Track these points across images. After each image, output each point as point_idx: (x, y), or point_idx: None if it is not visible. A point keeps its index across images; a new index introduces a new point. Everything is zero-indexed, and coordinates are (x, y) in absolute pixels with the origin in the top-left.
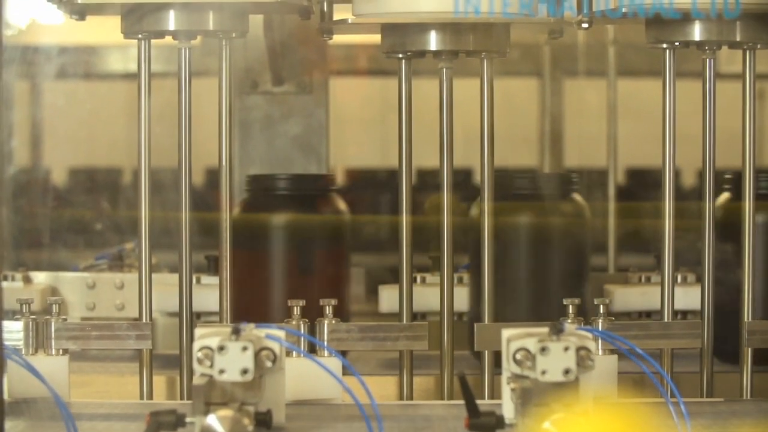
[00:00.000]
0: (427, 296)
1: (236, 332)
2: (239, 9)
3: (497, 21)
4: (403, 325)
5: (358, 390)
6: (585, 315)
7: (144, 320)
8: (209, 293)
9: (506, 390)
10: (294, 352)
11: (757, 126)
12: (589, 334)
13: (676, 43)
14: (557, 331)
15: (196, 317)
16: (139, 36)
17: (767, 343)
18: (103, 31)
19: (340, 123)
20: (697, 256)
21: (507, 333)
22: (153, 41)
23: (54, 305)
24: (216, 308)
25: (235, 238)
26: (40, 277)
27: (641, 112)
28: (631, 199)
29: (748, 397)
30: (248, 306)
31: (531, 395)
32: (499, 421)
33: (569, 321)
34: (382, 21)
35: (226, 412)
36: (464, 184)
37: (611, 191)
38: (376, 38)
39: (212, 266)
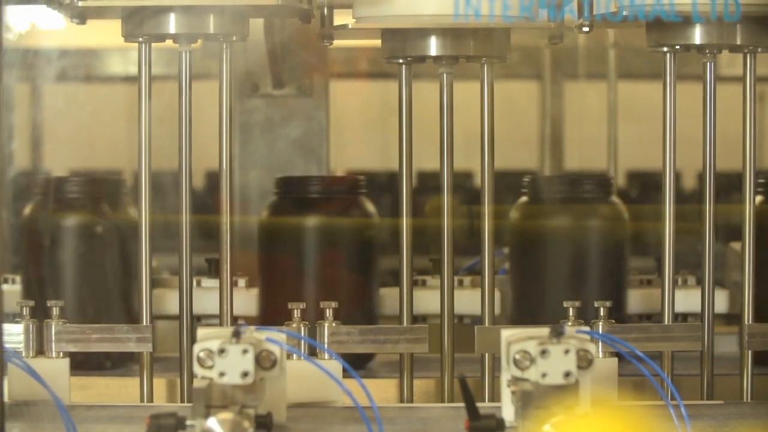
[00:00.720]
0: (427, 299)
1: (237, 335)
2: (239, 12)
3: (497, 26)
4: (403, 327)
5: (359, 392)
6: (622, 321)
7: (144, 323)
8: (209, 295)
9: (506, 392)
10: (295, 355)
11: (758, 128)
12: (589, 337)
13: (677, 47)
14: (557, 333)
15: (197, 320)
16: (140, 39)
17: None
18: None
19: (340, 126)
20: (698, 258)
21: (507, 335)
22: (153, 44)
23: (54, 308)
24: (216, 311)
25: (263, 242)
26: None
27: (641, 114)
28: (632, 201)
29: (748, 400)
30: (280, 309)
31: (531, 398)
32: (500, 424)
33: (569, 323)
34: (383, 25)
35: (227, 415)
36: (464, 186)
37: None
38: (376, 41)
39: (213, 269)
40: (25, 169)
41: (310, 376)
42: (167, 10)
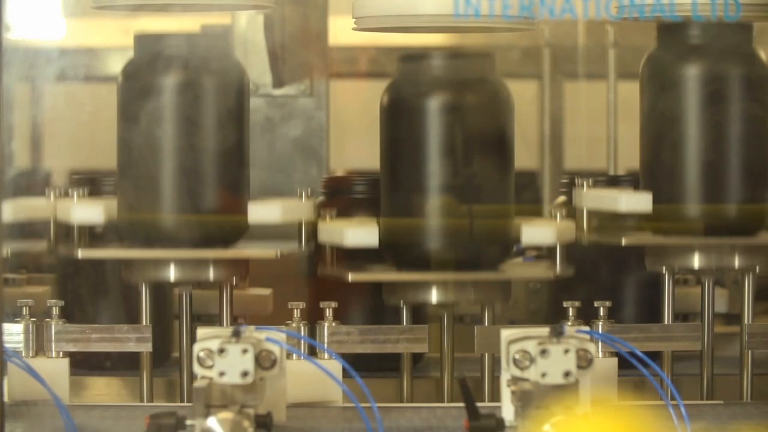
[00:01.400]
0: None
1: (236, 334)
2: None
3: (497, 25)
4: (403, 327)
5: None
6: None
7: (144, 323)
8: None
9: (506, 392)
10: (294, 354)
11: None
12: (589, 337)
13: (675, 270)
14: (557, 333)
15: (196, 319)
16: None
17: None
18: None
19: (340, 125)
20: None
21: (507, 335)
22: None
23: (54, 308)
24: (215, 311)
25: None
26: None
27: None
28: None
29: (748, 400)
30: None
31: (531, 398)
32: (499, 423)
33: (569, 323)
34: (382, 25)
35: (227, 415)
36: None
37: None
38: (377, 40)
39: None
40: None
41: (310, 375)
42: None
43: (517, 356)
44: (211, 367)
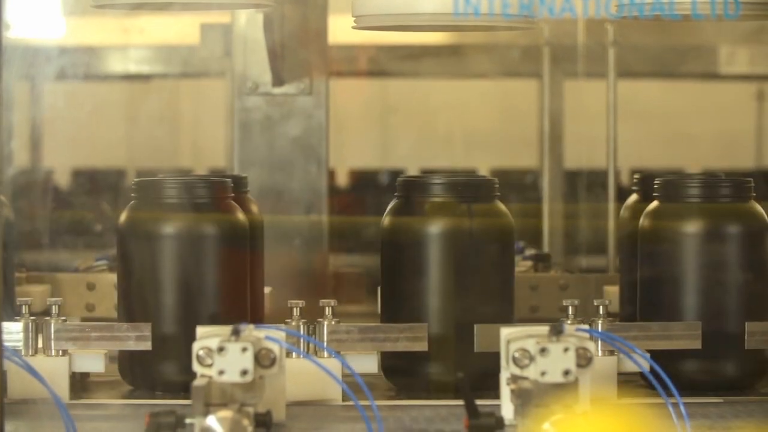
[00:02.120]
0: None
1: (236, 333)
2: None
3: (497, 24)
4: (403, 326)
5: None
6: None
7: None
8: None
9: (506, 391)
10: (294, 353)
11: (757, 126)
12: (588, 335)
13: None
14: (557, 331)
15: None
16: None
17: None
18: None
19: (340, 124)
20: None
21: (506, 333)
22: (152, 42)
23: (54, 306)
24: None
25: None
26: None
27: (641, 113)
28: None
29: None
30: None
31: (530, 396)
32: (499, 422)
33: (569, 322)
34: (382, 23)
35: (226, 413)
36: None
37: (611, 192)
38: (376, 39)
39: None
40: (24, 167)
41: (309, 374)
42: None
43: (516, 354)
44: (210, 365)
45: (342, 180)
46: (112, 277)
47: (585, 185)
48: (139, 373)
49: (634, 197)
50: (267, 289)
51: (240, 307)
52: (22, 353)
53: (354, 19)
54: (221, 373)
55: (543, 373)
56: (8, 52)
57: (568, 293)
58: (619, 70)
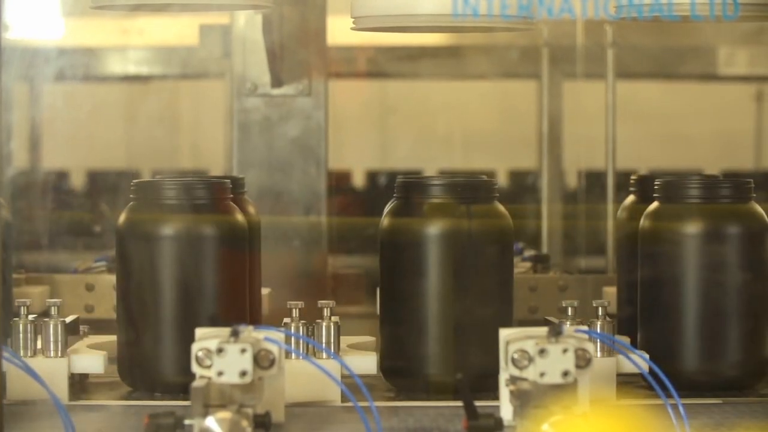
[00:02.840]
0: None
1: (235, 334)
2: None
3: (496, 25)
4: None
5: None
6: None
7: None
8: None
9: (505, 392)
10: (293, 354)
11: (756, 127)
12: (587, 336)
13: None
14: (556, 333)
15: None
16: None
17: None
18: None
19: (339, 125)
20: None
21: (505, 335)
22: (151, 43)
23: (53, 307)
24: None
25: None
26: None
27: (640, 114)
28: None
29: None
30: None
31: (529, 397)
32: (498, 423)
33: (568, 323)
34: (381, 24)
35: (225, 414)
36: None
37: (610, 193)
38: (375, 40)
39: None
40: (23, 168)
41: (308, 375)
42: None
43: (515, 356)
44: (209, 366)
45: (342, 180)
46: (111, 279)
47: (584, 186)
48: (139, 375)
49: (631, 198)
50: (265, 291)
51: (239, 308)
52: (21, 354)
53: (353, 20)
54: (220, 374)
55: (542, 374)
56: (7, 53)
57: (567, 294)
58: (618, 70)
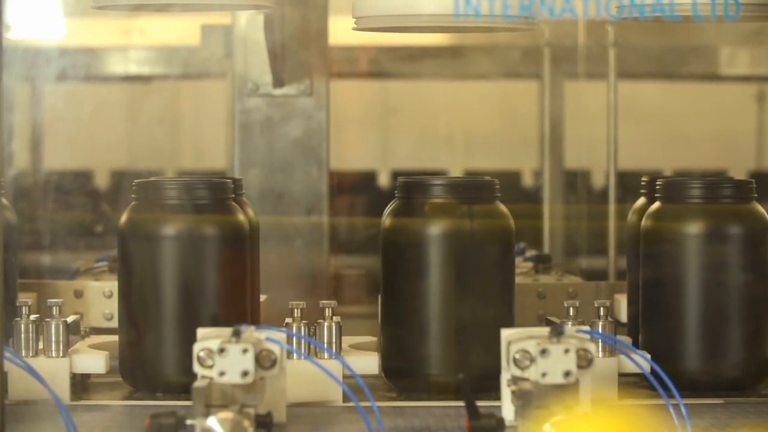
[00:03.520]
0: None
1: (237, 334)
2: None
3: (497, 25)
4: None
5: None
6: None
7: None
8: None
9: (506, 392)
10: (295, 354)
11: (758, 128)
12: (589, 336)
13: None
14: (557, 333)
15: None
16: None
17: None
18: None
19: (340, 125)
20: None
21: (507, 335)
22: (152, 43)
23: (54, 307)
24: None
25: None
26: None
27: (642, 114)
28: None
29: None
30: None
31: (531, 397)
32: (500, 423)
33: (570, 323)
34: (382, 24)
35: (227, 414)
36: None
37: (611, 193)
38: (377, 40)
39: None
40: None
41: (310, 375)
42: None
43: (517, 356)
44: (211, 366)
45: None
46: (101, 285)
47: (586, 186)
48: (140, 375)
49: (641, 200)
50: (262, 297)
51: (241, 308)
52: (23, 354)
53: (354, 20)
54: (222, 374)
55: (544, 375)
56: (9, 53)
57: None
58: (619, 71)
